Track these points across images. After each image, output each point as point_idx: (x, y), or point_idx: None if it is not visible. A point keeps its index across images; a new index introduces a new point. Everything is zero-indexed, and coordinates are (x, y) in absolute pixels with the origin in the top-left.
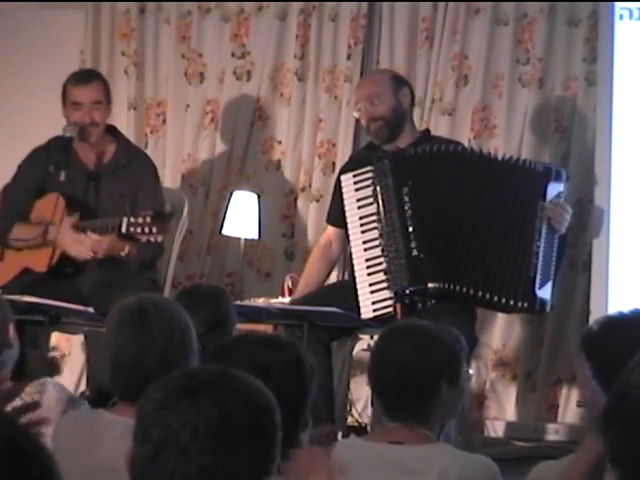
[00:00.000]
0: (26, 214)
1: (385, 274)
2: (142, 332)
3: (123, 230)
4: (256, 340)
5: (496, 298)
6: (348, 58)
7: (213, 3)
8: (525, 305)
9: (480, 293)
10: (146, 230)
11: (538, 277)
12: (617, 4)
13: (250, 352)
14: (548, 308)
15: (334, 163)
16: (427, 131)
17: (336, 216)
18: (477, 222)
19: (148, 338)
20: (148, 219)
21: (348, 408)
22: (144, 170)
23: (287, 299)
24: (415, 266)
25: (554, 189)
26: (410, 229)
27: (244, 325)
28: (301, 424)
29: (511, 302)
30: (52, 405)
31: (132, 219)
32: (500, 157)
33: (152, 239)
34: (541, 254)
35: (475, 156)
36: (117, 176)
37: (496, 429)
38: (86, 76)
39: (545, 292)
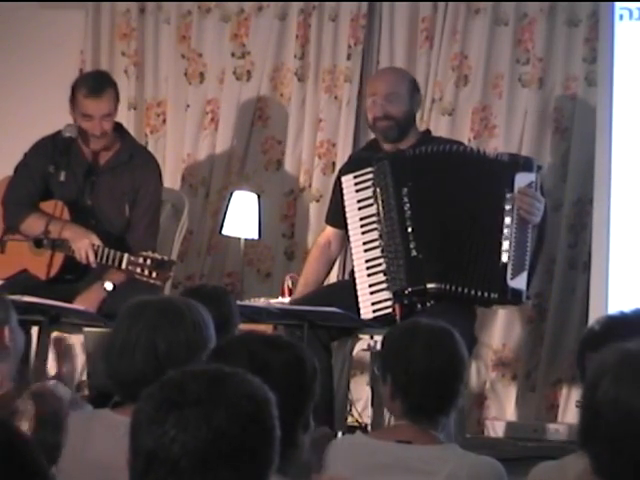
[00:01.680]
0: (36, 202)
1: (385, 275)
2: (134, 333)
3: (123, 266)
4: (256, 339)
5: (473, 292)
6: (348, 58)
7: (213, 3)
8: (496, 296)
9: (460, 289)
10: (146, 272)
11: (510, 267)
12: (617, 4)
13: (250, 351)
14: (524, 298)
15: (334, 163)
16: (428, 132)
17: (336, 217)
18: (463, 220)
19: (143, 340)
20: (149, 262)
21: (348, 408)
22: (147, 168)
23: (287, 299)
24: (414, 266)
25: (525, 179)
26: (409, 229)
27: (244, 325)
28: (300, 426)
29: (485, 294)
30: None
31: (133, 258)
32: (468, 151)
33: (150, 282)
34: (512, 244)
35: (460, 154)
36: (117, 173)
37: (496, 429)
38: (98, 88)
39: (519, 282)
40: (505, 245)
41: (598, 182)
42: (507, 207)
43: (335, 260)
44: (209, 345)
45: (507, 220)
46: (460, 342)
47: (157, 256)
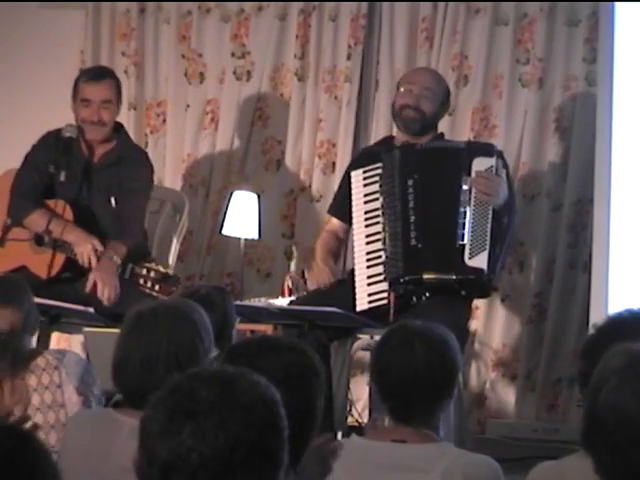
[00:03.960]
0: (41, 196)
1: (384, 267)
2: (137, 339)
3: (126, 276)
4: (285, 346)
5: (443, 276)
6: (348, 58)
7: (213, 3)
8: (459, 277)
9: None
10: (149, 284)
11: (467, 248)
12: (617, 4)
13: (280, 359)
14: (485, 277)
15: (334, 163)
16: (441, 135)
17: (340, 209)
18: (439, 210)
19: (144, 345)
20: (152, 274)
21: (348, 408)
22: (134, 164)
23: (287, 299)
24: (412, 255)
25: (483, 163)
26: (412, 219)
27: (244, 325)
28: (314, 432)
29: (451, 276)
30: (72, 364)
31: (137, 269)
32: (448, 144)
33: (152, 294)
34: (468, 226)
35: (443, 148)
36: (107, 172)
37: (496, 429)
38: (99, 74)
39: (479, 261)
40: (461, 226)
41: (598, 182)
42: (464, 190)
43: (344, 241)
44: (212, 343)
45: (464, 202)
46: (443, 345)
47: (162, 269)
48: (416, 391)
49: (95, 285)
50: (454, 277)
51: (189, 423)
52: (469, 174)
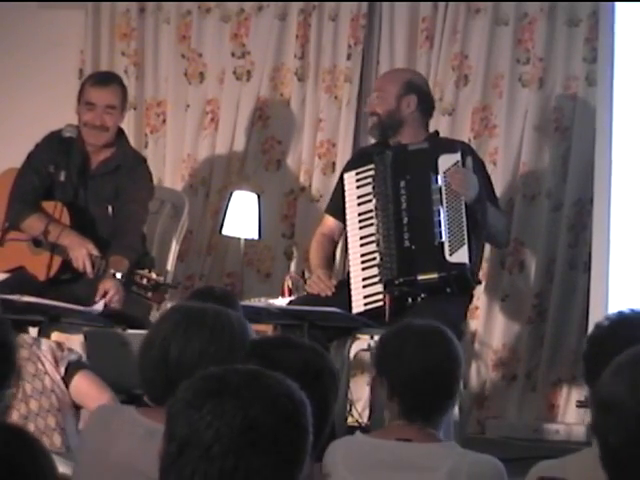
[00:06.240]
0: (40, 198)
1: (378, 268)
2: (184, 338)
3: (121, 280)
4: (307, 346)
5: (429, 276)
6: (348, 58)
7: (213, 3)
8: (441, 274)
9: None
10: (142, 292)
11: (447, 244)
12: (617, 4)
13: (300, 354)
14: (467, 271)
15: (334, 163)
16: (436, 133)
17: (336, 209)
18: (419, 211)
19: (174, 345)
20: (145, 281)
21: (348, 408)
22: (132, 175)
23: (287, 299)
24: (406, 257)
25: (449, 160)
26: (405, 220)
27: None
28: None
29: (434, 275)
30: (45, 347)
31: (131, 275)
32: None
33: (145, 300)
34: (444, 222)
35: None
36: (104, 180)
37: (496, 429)
38: (105, 78)
39: (460, 256)
40: (437, 225)
41: (598, 182)
42: (434, 189)
43: (337, 243)
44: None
45: (436, 201)
46: (454, 342)
47: (153, 276)
48: (435, 384)
49: (104, 295)
50: (437, 275)
51: (212, 400)
52: (436, 172)
